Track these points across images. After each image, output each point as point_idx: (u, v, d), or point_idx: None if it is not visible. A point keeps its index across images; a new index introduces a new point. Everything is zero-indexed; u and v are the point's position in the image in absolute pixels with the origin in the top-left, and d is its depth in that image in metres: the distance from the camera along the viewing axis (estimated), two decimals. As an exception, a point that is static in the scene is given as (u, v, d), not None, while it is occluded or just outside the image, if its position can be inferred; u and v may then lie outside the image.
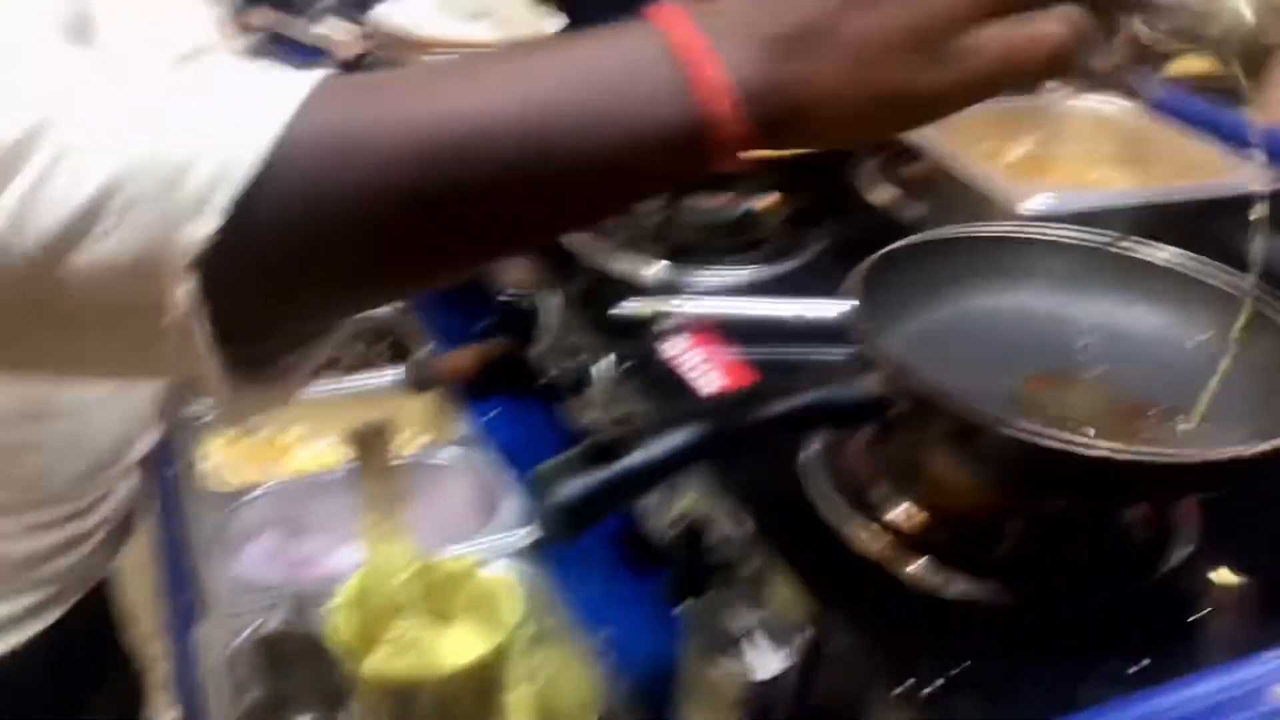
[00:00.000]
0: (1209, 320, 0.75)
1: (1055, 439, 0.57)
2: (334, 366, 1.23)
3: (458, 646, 0.80)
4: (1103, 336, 0.77)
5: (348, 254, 0.40)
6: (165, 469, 1.05)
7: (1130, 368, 0.74)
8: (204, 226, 0.36)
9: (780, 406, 0.56)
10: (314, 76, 0.40)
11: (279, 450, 1.10)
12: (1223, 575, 0.70)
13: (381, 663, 0.77)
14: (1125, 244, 0.78)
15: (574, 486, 0.50)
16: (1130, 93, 1.07)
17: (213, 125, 0.38)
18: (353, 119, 0.40)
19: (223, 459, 1.08)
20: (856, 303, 0.64)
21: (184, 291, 0.37)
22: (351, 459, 0.77)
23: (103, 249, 0.36)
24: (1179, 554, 0.70)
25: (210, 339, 0.38)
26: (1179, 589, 0.69)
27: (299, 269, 0.40)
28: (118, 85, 0.39)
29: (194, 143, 0.37)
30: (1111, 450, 0.57)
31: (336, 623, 0.77)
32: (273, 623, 0.87)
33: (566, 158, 0.41)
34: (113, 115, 0.38)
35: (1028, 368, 0.73)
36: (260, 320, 0.41)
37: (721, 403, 0.56)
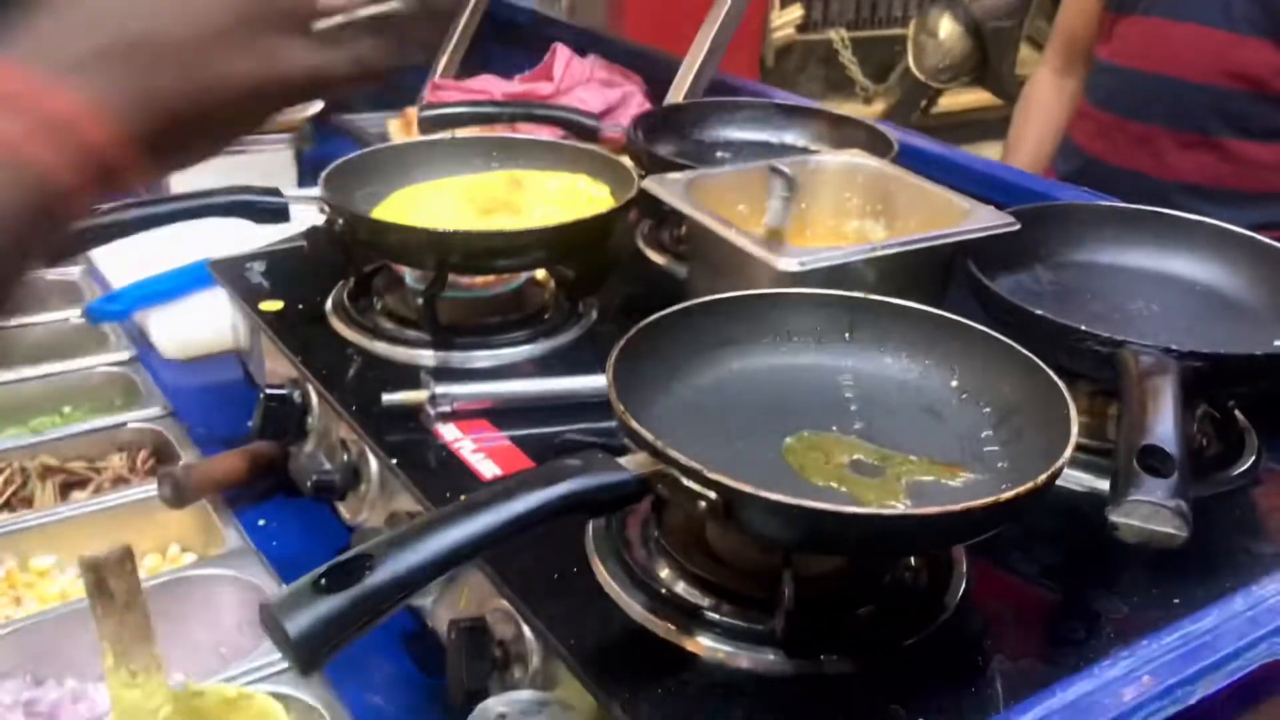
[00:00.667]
0: (960, 367, 0.78)
1: (810, 502, 0.57)
2: (86, 485, 1.13)
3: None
4: (863, 389, 0.78)
5: None
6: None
7: (891, 419, 0.75)
8: None
9: (535, 501, 0.53)
10: None
11: (21, 584, 0.99)
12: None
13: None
14: (874, 299, 0.80)
15: (309, 617, 0.46)
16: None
17: None
18: None
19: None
20: (611, 384, 0.63)
21: None
22: (88, 592, 0.69)
23: None
24: (954, 596, 0.72)
25: None
26: (963, 632, 0.70)
27: None
28: None
29: None
30: (865, 510, 0.57)
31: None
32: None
33: None
34: None
35: (793, 426, 0.73)
36: None
37: (476, 502, 0.53)
